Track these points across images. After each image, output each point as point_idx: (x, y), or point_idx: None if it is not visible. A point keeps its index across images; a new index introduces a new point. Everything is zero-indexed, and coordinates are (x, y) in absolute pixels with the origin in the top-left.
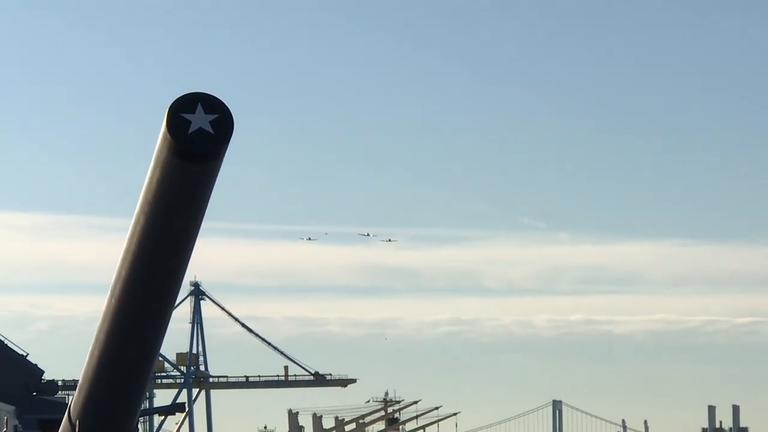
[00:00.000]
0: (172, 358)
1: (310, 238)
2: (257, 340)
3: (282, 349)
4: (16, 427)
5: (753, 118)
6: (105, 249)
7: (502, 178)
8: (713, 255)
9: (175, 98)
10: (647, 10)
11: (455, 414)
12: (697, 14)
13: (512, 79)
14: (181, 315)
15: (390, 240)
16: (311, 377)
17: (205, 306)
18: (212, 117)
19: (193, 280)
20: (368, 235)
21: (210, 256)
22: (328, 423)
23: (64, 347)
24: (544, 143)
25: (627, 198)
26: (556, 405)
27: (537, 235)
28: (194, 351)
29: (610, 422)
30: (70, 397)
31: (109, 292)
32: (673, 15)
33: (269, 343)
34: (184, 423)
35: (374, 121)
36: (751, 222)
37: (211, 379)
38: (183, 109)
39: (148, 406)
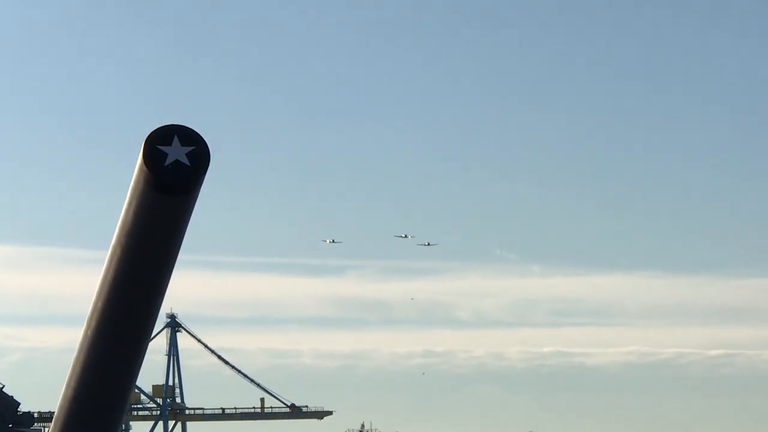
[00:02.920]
0: (149, 389)
1: (333, 241)
2: (233, 372)
3: (257, 381)
4: None
5: (725, 150)
6: (78, 281)
7: (473, 209)
8: (685, 287)
9: (152, 130)
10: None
11: None
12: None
13: (482, 110)
14: (157, 347)
15: (429, 244)
16: (287, 409)
17: (181, 338)
18: (189, 149)
19: (169, 312)
20: (406, 236)
21: (186, 288)
22: None
23: (37, 378)
24: (516, 174)
25: (599, 230)
26: None
27: (509, 267)
28: (170, 383)
29: None
30: (46, 429)
31: (84, 324)
32: (631, 41)
33: (245, 375)
34: None
35: (346, 152)
36: (723, 254)
37: (187, 411)
38: (159, 141)
39: None
